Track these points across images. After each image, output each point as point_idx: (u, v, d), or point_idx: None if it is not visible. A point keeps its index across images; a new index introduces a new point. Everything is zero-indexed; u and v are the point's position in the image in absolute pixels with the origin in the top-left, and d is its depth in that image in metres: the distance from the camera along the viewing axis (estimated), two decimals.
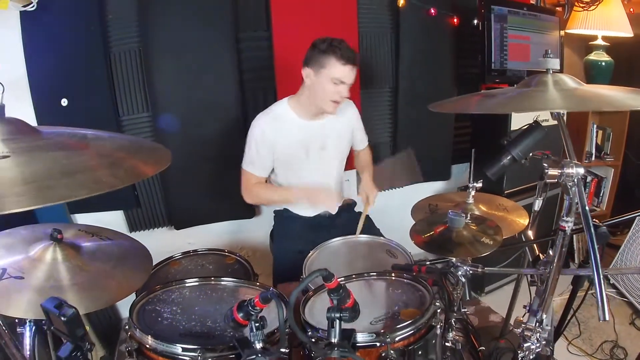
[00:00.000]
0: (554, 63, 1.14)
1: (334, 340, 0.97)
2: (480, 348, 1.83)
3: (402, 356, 1.10)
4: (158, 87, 2.16)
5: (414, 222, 1.61)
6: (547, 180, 0.97)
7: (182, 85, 2.20)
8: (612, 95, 1.12)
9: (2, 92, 0.82)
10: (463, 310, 1.61)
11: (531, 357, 1.10)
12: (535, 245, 1.67)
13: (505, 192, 2.59)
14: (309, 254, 1.71)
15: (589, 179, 3.11)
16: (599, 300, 0.80)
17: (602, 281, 0.80)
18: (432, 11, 2.61)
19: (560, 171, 0.97)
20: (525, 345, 1.09)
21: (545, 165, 0.98)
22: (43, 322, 1.28)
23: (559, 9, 2.97)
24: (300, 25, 2.31)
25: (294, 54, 2.15)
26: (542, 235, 1.58)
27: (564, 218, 0.98)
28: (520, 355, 1.11)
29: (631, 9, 2.92)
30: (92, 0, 2.00)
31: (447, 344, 1.45)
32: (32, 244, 1.24)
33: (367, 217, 2.16)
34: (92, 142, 0.93)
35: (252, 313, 1.01)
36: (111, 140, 1.00)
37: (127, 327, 1.14)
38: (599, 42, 3.06)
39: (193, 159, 2.28)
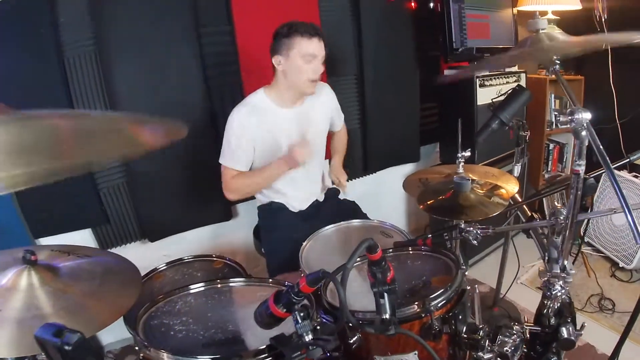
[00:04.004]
0: (543, 23, 1.18)
1: (386, 316, 0.89)
2: None
3: (444, 323, 1.05)
4: (118, 89, 2.00)
5: (408, 197, 1.61)
6: (560, 126, 0.98)
7: (143, 86, 2.06)
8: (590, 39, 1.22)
9: None
10: None
11: (557, 305, 1.09)
12: (525, 206, 1.70)
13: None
14: (304, 244, 1.66)
15: (551, 146, 3.24)
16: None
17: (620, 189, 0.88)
18: None
19: (570, 117, 0.97)
20: (554, 292, 1.08)
21: (555, 113, 0.98)
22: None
23: None
24: (262, 18, 2.23)
25: (258, 47, 2.09)
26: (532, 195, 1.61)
27: (577, 162, 0.99)
28: (547, 303, 1.10)
29: None
30: (42, 4, 1.83)
31: None
32: (2, 271, 1.08)
33: (355, 203, 2.13)
34: None
35: (295, 301, 0.86)
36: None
37: (136, 347, 1.00)
38: (550, 16, 3.19)
39: (160, 164, 2.13)
